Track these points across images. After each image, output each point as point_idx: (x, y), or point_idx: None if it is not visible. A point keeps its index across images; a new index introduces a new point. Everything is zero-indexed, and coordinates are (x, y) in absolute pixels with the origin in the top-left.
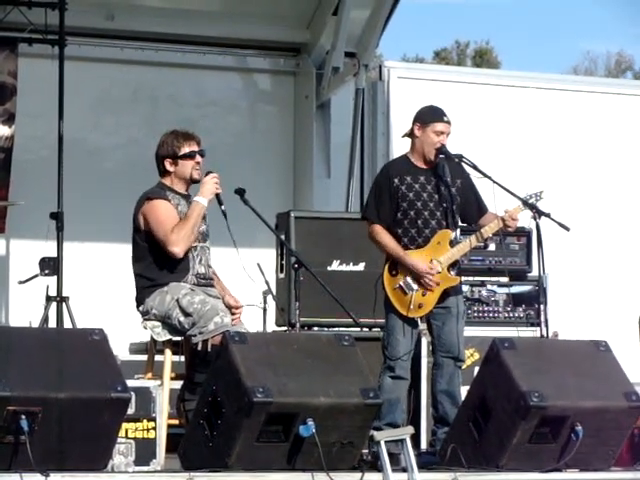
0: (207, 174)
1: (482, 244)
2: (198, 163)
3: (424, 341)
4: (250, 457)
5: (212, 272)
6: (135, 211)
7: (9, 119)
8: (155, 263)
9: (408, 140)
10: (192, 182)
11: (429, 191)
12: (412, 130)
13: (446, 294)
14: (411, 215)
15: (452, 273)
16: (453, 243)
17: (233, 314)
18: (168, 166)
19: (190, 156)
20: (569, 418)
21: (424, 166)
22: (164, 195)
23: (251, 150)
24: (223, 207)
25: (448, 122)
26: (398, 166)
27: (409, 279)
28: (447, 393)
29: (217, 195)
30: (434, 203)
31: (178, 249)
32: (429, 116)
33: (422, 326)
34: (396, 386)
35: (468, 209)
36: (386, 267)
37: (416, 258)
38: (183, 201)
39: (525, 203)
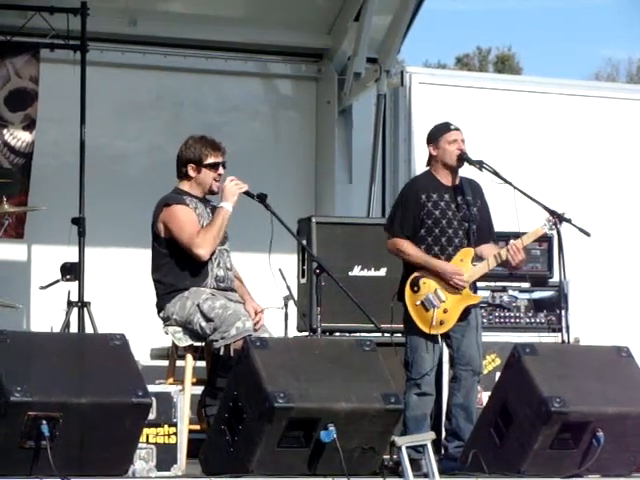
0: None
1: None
2: (220, 175)
3: (445, 347)
4: (271, 462)
5: (233, 275)
6: (154, 218)
7: (30, 125)
8: (174, 269)
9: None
10: (210, 193)
11: (453, 209)
12: (429, 154)
13: (466, 310)
14: (435, 232)
15: (472, 292)
16: (475, 262)
17: (255, 321)
18: (190, 171)
19: (214, 167)
20: (590, 424)
21: (448, 183)
22: (182, 200)
23: (273, 155)
24: (257, 196)
25: (457, 129)
26: (424, 182)
27: (431, 295)
28: (462, 407)
29: (247, 193)
30: (457, 221)
31: (204, 251)
32: (438, 132)
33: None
34: (422, 402)
35: (479, 233)
36: (407, 284)
37: (440, 261)
38: (200, 204)
39: (547, 209)
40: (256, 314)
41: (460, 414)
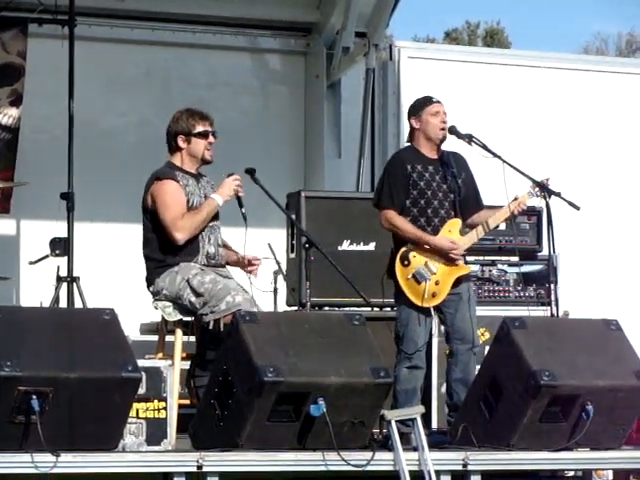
0: (229, 175)
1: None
2: (211, 143)
3: (435, 320)
4: (261, 437)
5: (223, 243)
6: (145, 191)
7: (17, 100)
8: (165, 244)
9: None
10: (203, 162)
11: (437, 181)
12: (411, 127)
13: (457, 281)
14: (421, 204)
15: (462, 262)
16: (463, 232)
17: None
18: (181, 143)
19: (204, 135)
20: (580, 397)
21: (432, 156)
22: (173, 175)
23: (262, 130)
24: (243, 210)
25: (438, 102)
26: (409, 154)
27: (421, 268)
28: (462, 381)
29: (238, 198)
30: (443, 193)
31: (181, 236)
32: (419, 105)
33: (435, 318)
34: (412, 376)
35: (466, 203)
36: (397, 258)
37: (436, 237)
38: (192, 181)
39: (535, 182)
40: (255, 260)
41: (460, 388)
